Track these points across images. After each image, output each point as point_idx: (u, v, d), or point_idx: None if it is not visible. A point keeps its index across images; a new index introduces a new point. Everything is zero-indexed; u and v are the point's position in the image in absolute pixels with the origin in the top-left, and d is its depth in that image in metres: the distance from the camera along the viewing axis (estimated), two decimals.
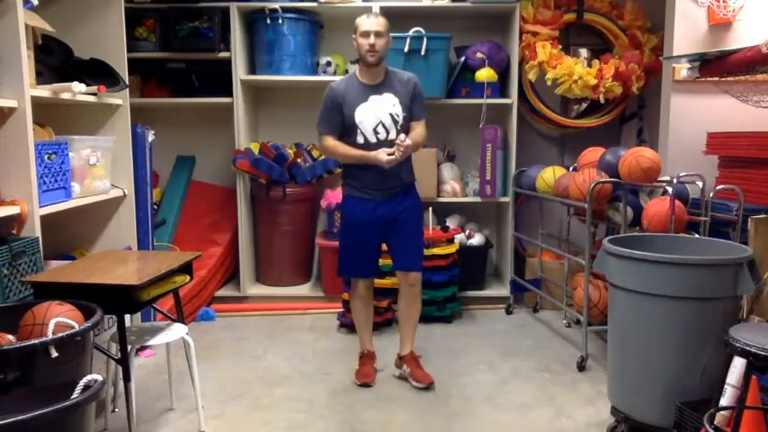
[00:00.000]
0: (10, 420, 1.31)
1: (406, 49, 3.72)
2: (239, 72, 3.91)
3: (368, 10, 3.84)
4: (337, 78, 4.01)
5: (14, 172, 2.32)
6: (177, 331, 2.37)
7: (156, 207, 4.01)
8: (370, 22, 2.66)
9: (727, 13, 3.36)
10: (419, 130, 2.81)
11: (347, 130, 2.74)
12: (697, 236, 2.73)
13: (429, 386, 2.79)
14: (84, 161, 2.79)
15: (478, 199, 4.07)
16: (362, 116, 2.72)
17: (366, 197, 2.78)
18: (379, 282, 3.48)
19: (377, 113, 2.72)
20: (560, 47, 3.87)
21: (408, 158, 2.81)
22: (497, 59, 3.96)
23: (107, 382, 2.43)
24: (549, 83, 3.85)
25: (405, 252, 2.85)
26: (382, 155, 2.65)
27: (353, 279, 2.91)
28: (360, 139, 2.73)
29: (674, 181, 2.80)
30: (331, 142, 2.76)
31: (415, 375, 2.84)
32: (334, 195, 4.05)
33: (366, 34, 2.65)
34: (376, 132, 2.73)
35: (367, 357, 2.94)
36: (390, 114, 2.73)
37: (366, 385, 2.81)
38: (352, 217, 2.81)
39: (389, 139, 2.73)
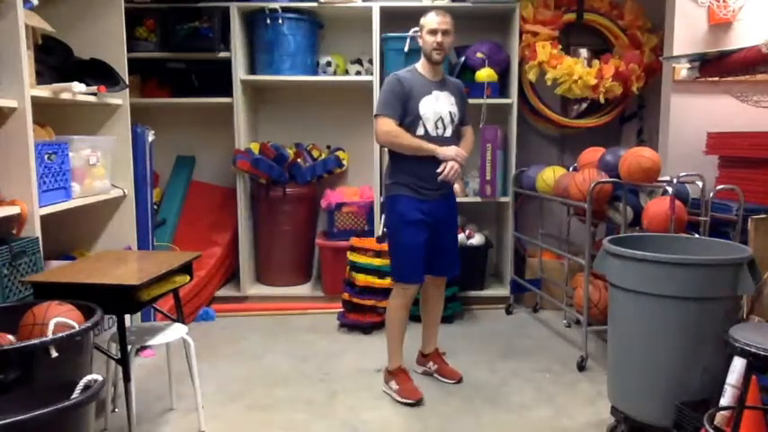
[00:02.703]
0: (10, 420, 1.31)
1: (405, 48, 3.72)
2: (239, 72, 3.91)
3: (368, 10, 3.87)
4: (338, 78, 4.06)
5: (14, 172, 2.32)
6: (177, 331, 2.37)
7: (156, 207, 4.00)
8: (439, 20, 2.63)
9: (727, 13, 3.36)
10: (471, 137, 2.86)
11: (409, 122, 2.66)
12: (697, 236, 2.73)
13: (459, 381, 2.86)
14: (84, 161, 2.79)
15: (478, 199, 4.07)
16: (426, 108, 2.66)
17: (420, 197, 2.67)
18: (379, 282, 3.49)
19: (438, 108, 2.68)
20: (560, 47, 3.87)
21: None
22: (497, 59, 3.95)
23: (107, 382, 2.43)
24: (549, 83, 3.85)
25: (450, 256, 2.82)
26: (450, 151, 2.61)
27: (404, 286, 2.71)
28: (420, 131, 2.66)
29: (674, 181, 2.80)
30: (393, 126, 2.62)
31: (444, 372, 2.91)
32: (334, 195, 4.05)
33: (434, 32, 2.63)
34: (436, 127, 2.68)
35: (404, 373, 2.78)
36: (450, 112, 2.70)
37: (420, 402, 2.66)
38: (410, 217, 2.66)
39: (446, 135, 2.70)
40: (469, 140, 2.85)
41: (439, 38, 2.63)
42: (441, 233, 2.74)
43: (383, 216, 2.80)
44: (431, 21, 2.65)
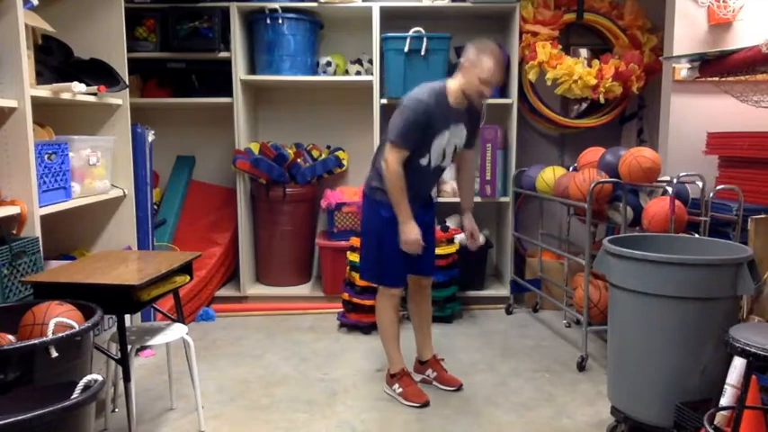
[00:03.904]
0: (10, 420, 1.31)
1: (406, 49, 3.72)
2: (239, 72, 3.91)
3: (368, 10, 3.86)
4: (338, 78, 4.05)
5: (14, 172, 2.32)
6: (177, 331, 2.37)
7: (156, 207, 4.01)
8: (497, 78, 2.50)
9: (727, 13, 3.36)
10: (472, 171, 2.89)
11: (418, 149, 2.55)
12: (697, 236, 2.73)
13: (459, 389, 2.80)
14: (84, 161, 2.79)
15: (478, 199, 4.07)
16: (438, 144, 2.57)
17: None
18: None
19: (447, 143, 2.60)
20: (560, 47, 3.87)
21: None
22: None
23: (107, 382, 2.43)
24: (549, 83, 3.85)
25: (429, 257, 2.79)
26: (414, 235, 2.52)
27: (392, 289, 2.68)
28: (424, 161, 2.58)
29: (674, 181, 2.80)
30: (400, 169, 2.49)
31: (444, 379, 2.84)
32: (334, 195, 4.05)
33: (487, 83, 2.47)
34: (437, 158, 2.63)
35: (408, 376, 2.74)
36: (455, 145, 2.64)
37: (426, 404, 2.64)
38: (395, 222, 2.58)
39: (443, 165, 2.67)
40: (472, 179, 2.89)
41: (489, 91, 2.51)
42: (424, 234, 2.67)
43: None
44: (489, 71, 2.44)
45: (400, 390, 2.71)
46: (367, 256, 2.75)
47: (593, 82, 3.75)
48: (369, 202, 2.70)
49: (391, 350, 2.77)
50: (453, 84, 2.56)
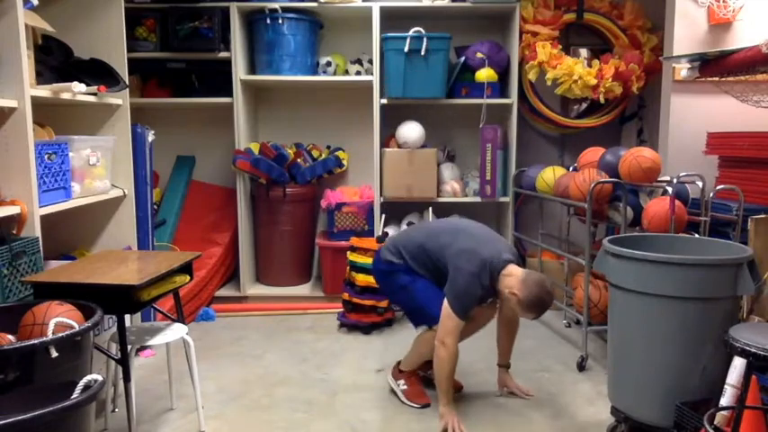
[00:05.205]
0: (10, 420, 1.31)
1: (406, 49, 3.73)
2: (239, 72, 3.91)
3: (368, 10, 3.86)
4: (338, 78, 4.05)
5: (14, 172, 2.32)
6: (177, 331, 2.37)
7: (156, 207, 4.01)
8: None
9: (727, 13, 3.36)
10: (516, 323, 2.88)
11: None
12: (697, 236, 2.73)
13: (459, 391, 2.80)
14: (84, 161, 2.79)
15: (478, 199, 4.07)
16: None
17: None
18: None
19: None
20: (560, 47, 3.88)
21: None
22: (497, 59, 3.96)
23: (107, 382, 2.43)
24: (549, 83, 3.85)
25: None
26: (452, 420, 2.44)
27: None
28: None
29: (674, 181, 2.80)
30: (455, 347, 2.45)
31: None
32: (334, 195, 4.05)
33: (524, 316, 2.51)
34: None
35: (416, 376, 2.75)
36: None
37: (427, 405, 2.64)
38: (413, 272, 2.61)
39: None
40: (514, 335, 2.89)
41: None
42: None
43: (384, 279, 2.73)
44: (529, 317, 2.49)
45: (405, 387, 2.71)
46: (410, 311, 2.68)
47: (593, 82, 3.75)
48: (385, 270, 2.66)
49: (417, 360, 2.71)
50: (508, 284, 2.45)
